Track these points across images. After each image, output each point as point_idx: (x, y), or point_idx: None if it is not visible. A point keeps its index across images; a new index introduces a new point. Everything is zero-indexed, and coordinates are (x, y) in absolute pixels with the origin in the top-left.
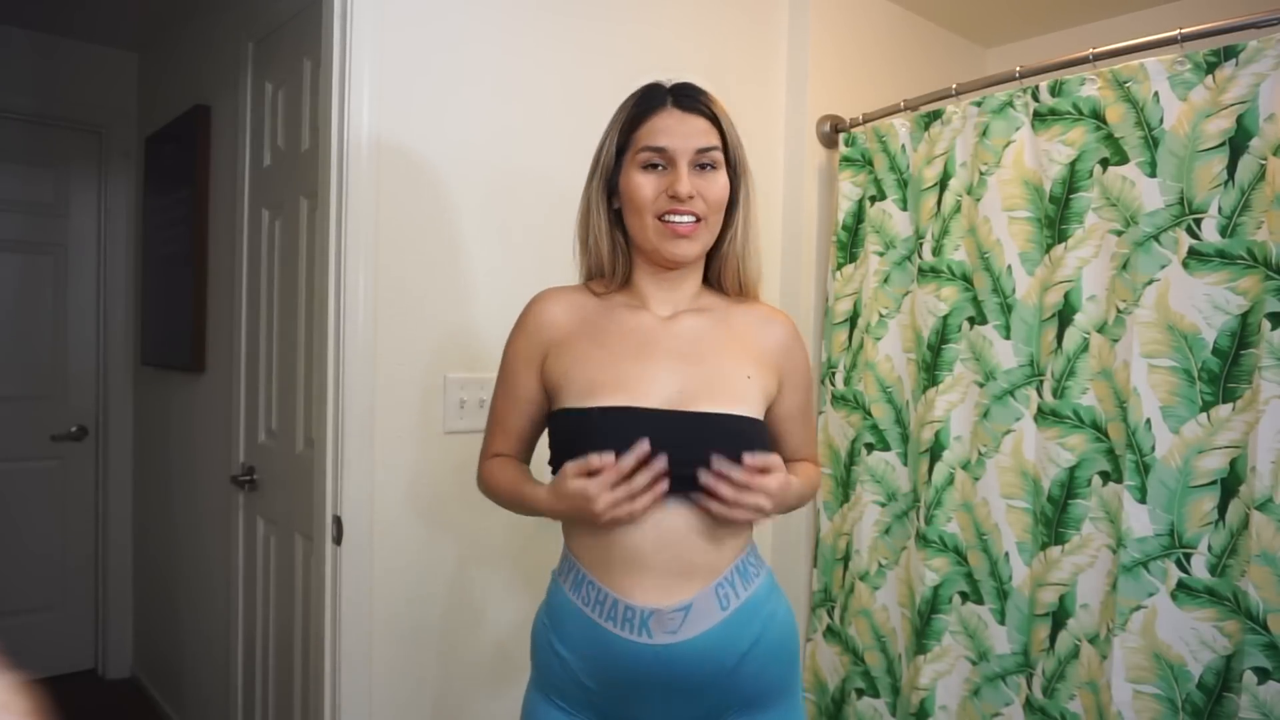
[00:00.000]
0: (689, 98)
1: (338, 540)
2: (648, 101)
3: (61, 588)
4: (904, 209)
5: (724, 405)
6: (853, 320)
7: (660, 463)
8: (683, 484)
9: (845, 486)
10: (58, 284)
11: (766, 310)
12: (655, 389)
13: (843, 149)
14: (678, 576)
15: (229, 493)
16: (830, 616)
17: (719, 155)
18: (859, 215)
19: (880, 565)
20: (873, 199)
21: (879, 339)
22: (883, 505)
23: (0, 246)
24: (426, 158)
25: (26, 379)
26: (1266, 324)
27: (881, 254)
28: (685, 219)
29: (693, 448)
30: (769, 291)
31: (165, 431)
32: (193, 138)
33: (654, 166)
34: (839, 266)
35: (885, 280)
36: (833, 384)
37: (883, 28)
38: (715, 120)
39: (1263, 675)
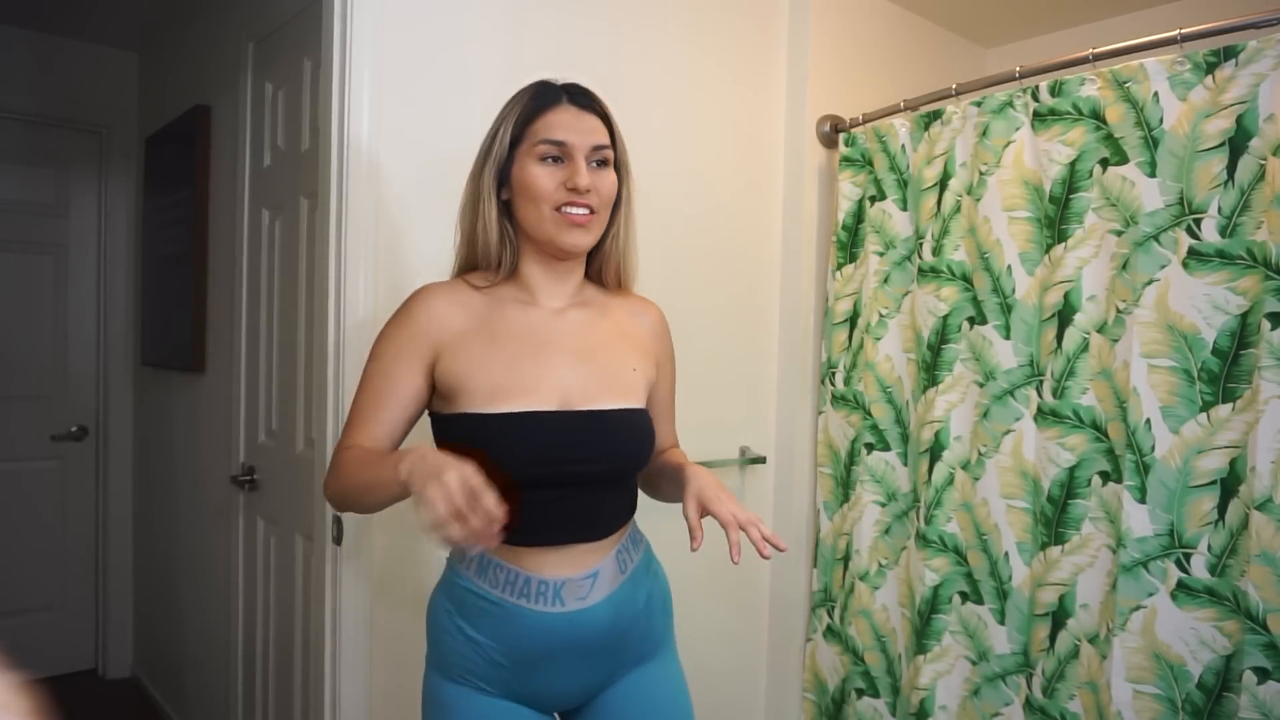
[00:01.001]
0: (584, 96)
1: (338, 540)
2: (544, 97)
3: (61, 588)
4: (904, 209)
5: (618, 400)
6: (853, 320)
7: (498, 523)
8: (586, 477)
9: (845, 486)
10: (58, 284)
11: (638, 301)
12: (555, 388)
13: (843, 149)
14: (583, 550)
15: (229, 493)
16: (830, 616)
17: (610, 154)
18: (859, 215)
19: (880, 565)
20: (873, 199)
21: (879, 339)
22: (883, 505)
23: (0, 246)
24: (426, 156)
25: (26, 379)
26: (1266, 324)
27: (881, 254)
28: (581, 210)
29: (593, 445)
30: (769, 291)
31: (165, 431)
32: (193, 138)
33: (551, 159)
34: (839, 266)
35: (885, 280)
36: (833, 384)
37: (883, 28)
38: (606, 120)
39: (1262, 675)
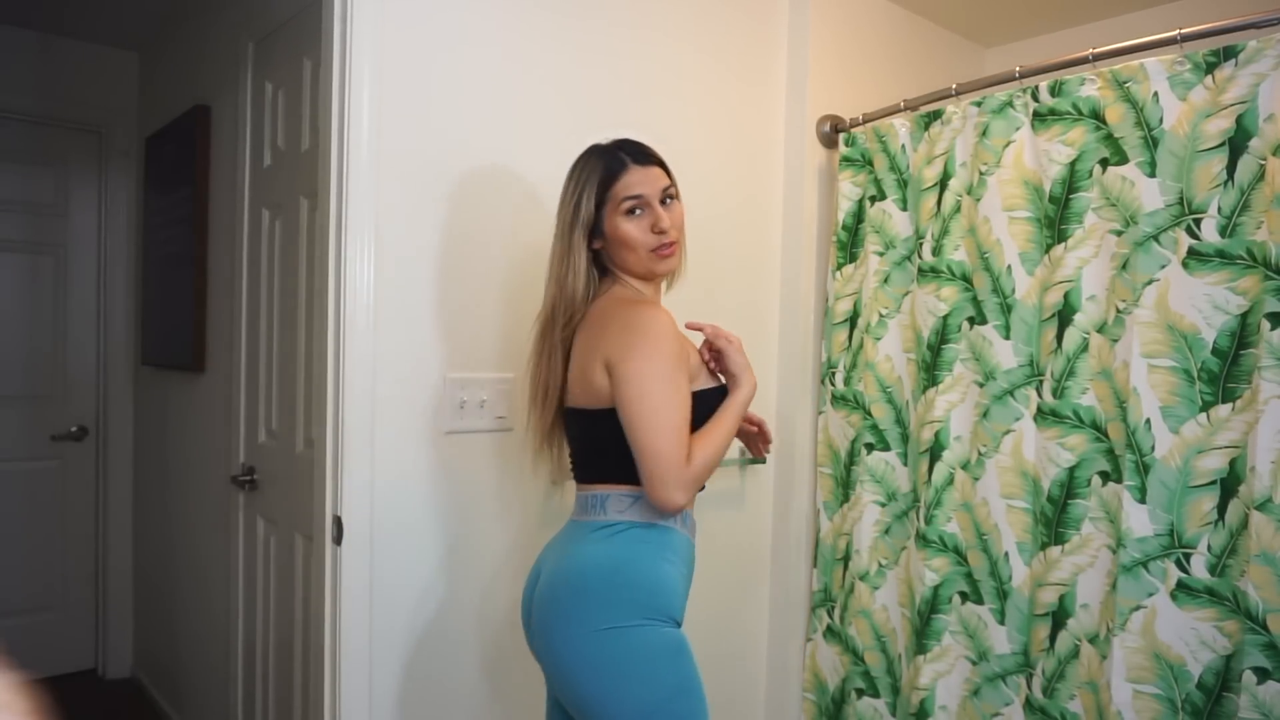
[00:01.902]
0: (642, 154)
1: (338, 540)
2: (612, 165)
3: (61, 588)
4: (904, 209)
5: None
6: (853, 320)
7: None
8: None
9: (845, 486)
10: (58, 284)
11: None
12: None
13: (843, 149)
14: None
15: (229, 493)
16: (830, 616)
17: (674, 190)
18: (859, 215)
19: (880, 565)
20: (873, 199)
21: (879, 339)
22: (883, 505)
23: (0, 246)
24: (426, 157)
25: (26, 379)
26: (1266, 324)
27: (881, 254)
28: (668, 245)
29: None
30: (769, 291)
31: (165, 431)
32: (193, 138)
33: (633, 211)
34: (839, 266)
35: (885, 280)
36: (833, 384)
37: (883, 28)
38: (662, 165)
39: (1262, 675)
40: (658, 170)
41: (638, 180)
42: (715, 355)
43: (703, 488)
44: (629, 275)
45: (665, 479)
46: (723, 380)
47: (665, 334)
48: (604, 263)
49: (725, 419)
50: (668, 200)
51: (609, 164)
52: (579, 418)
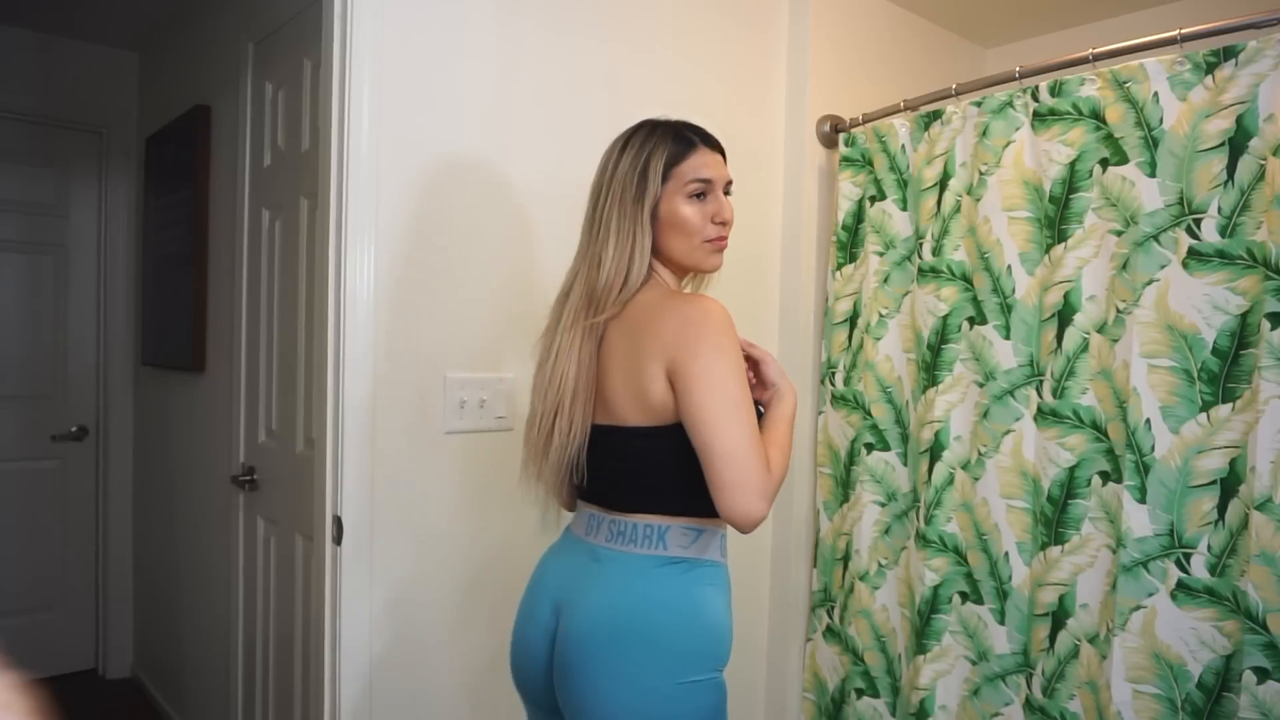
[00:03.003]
0: (712, 138)
1: (338, 540)
2: (681, 142)
3: (61, 588)
4: (904, 209)
5: None
6: (853, 320)
7: None
8: None
9: (845, 486)
10: (58, 284)
11: None
12: None
13: (843, 149)
14: None
15: (229, 493)
16: (830, 616)
17: (731, 185)
18: (859, 215)
19: (880, 565)
20: (873, 199)
21: (879, 339)
22: (883, 505)
23: (0, 246)
24: (426, 157)
25: (26, 379)
26: (1266, 324)
27: (881, 254)
28: (724, 238)
29: None
30: (769, 291)
31: (165, 431)
32: (193, 138)
33: (698, 196)
34: (839, 266)
35: (885, 280)
36: (833, 384)
37: (883, 28)
38: (724, 155)
39: (1262, 675)
40: (722, 159)
41: (708, 163)
42: (752, 365)
43: None
44: (666, 266)
45: (750, 487)
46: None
47: (729, 326)
48: None
49: (784, 428)
50: (728, 193)
51: (678, 140)
52: (625, 437)
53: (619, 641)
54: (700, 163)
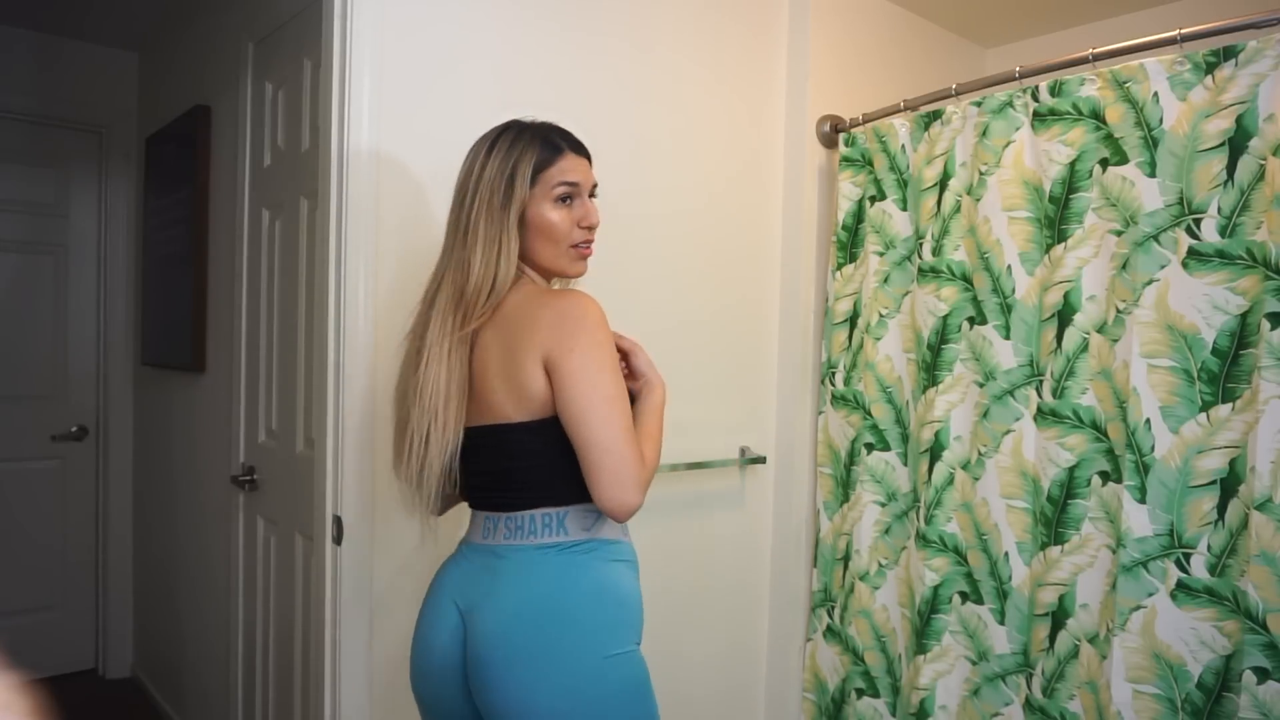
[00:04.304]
0: (579, 143)
1: (338, 540)
2: (549, 147)
3: (61, 588)
4: (904, 209)
5: None
6: (853, 320)
7: None
8: None
9: (845, 486)
10: (58, 284)
11: None
12: None
13: (843, 149)
14: None
15: (229, 493)
16: (830, 616)
17: (596, 189)
18: (859, 215)
19: (880, 565)
20: (873, 199)
21: (879, 339)
22: (883, 505)
23: (0, 246)
24: (426, 157)
25: (26, 379)
26: (1266, 324)
27: (881, 254)
28: (589, 244)
29: None
30: (769, 291)
31: (165, 431)
32: (193, 138)
33: (564, 200)
34: (839, 266)
35: (885, 280)
36: (833, 384)
37: (883, 28)
38: (590, 160)
39: (1262, 675)
40: (588, 164)
41: (575, 168)
42: (622, 355)
43: None
44: (534, 270)
45: (626, 478)
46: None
47: (604, 323)
48: None
49: (654, 419)
50: (592, 197)
51: (545, 146)
52: (509, 434)
53: (534, 629)
54: (567, 167)
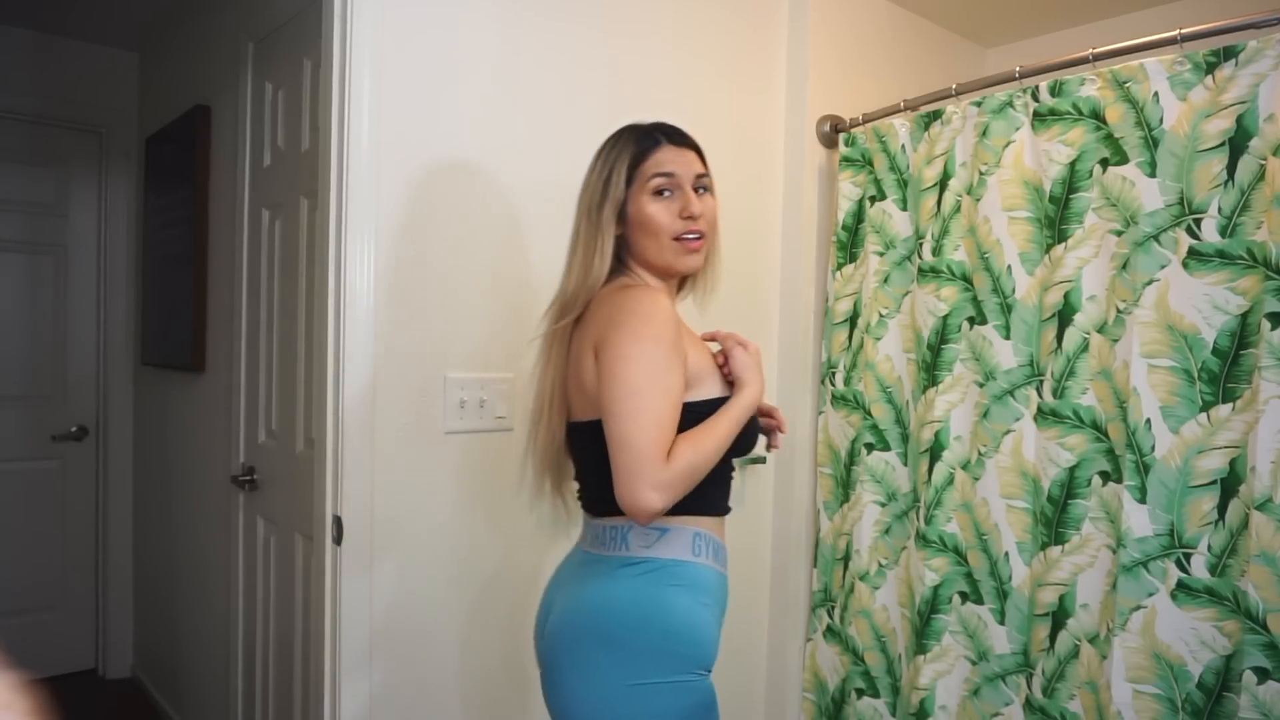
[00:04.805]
0: (679, 134)
1: (338, 540)
2: (645, 141)
3: (61, 588)
4: (904, 209)
5: None
6: (853, 320)
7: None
8: (748, 459)
9: (845, 486)
10: (58, 284)
11: None
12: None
13: (843, 149)
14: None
15: (229, 493)
16: (830, 616)
17: (709, 181)
18: (859, 215)
19: (880, 565)
20: (873, 199)
21: (879, 339)
22: (883, 505)
23: (0, 246)
24: (426, 157)
25: (26, 379)
26: (1266, 324)
27: (881, 254)
28: (694, 236)
29: (756, 432)
30: (769, 291)
31: (165, 431)
32: (193, 138)
33: (662, 193)
34: (839, 266)
35: (885, 280)
36: (833, 384)
37: (883, 28)
38: (699, 152)
39: (1262, 675)
40: (694, 155)
41: (670, 158)
42: (725, 357)
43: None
44: (645, 269)
45: (637, 475)
46: (717, 394)
47: (657, 315)
48: (621, 254)
49: (722, 420)
50: (701, 190)
51: (641, 141)
52: (582, 434)
53: (578, 641)
54: (663, 159)
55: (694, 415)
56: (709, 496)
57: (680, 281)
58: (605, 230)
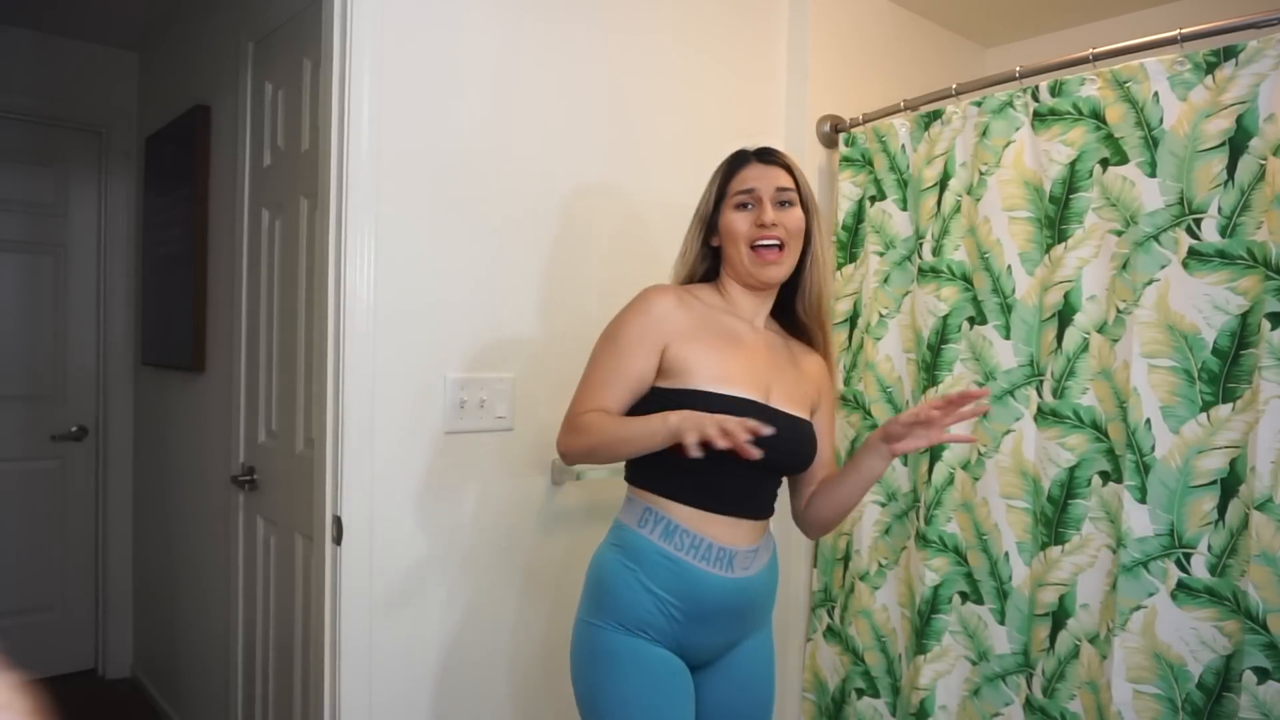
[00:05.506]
0: (768, 153)
1: (338, 540)
2: (737, 161)
3: (61, 587)
4: (904, 209)
5: (799, 410)
6: (853, 320)
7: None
8: (772, 464)
9: None
10: (58, 284)
11: (807, 346)
12: (760, 385)
13: (843, 149)
14: (752, 527)
15: (229, 493)
16: (830, 616)
17: (794, 195)
18: (859, 215)
19: (880, 565)
20: (873, 199)
21: (879, 339)
22: (883, 505)
23: (0, 246)
24: (426, 157)
25: (26, 379)
26: (1266, 324)
27: (881, 254)
28: (771, 243)
29: (786, 440)
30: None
31: (165, 431)
32: (193, 138)
33: (744, 206)
34: (839, 266)
35: (885, 280)
36: None
37: (883, 27)
38: (789, 170)
39: (1262, 675)
40: (780, 171)
41: (754, 175)
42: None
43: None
44: (734, 279)
45: (563, 423)
46: (703, 387)
47: (633, 309)
48: (720, 264)
49: (635, 421)
50: (785, 203)
51: (734, 160)
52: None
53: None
54: (748, 175)
55: (661, 399)
56: (678, 482)
57: (786, 294)
58: (693, 240)
